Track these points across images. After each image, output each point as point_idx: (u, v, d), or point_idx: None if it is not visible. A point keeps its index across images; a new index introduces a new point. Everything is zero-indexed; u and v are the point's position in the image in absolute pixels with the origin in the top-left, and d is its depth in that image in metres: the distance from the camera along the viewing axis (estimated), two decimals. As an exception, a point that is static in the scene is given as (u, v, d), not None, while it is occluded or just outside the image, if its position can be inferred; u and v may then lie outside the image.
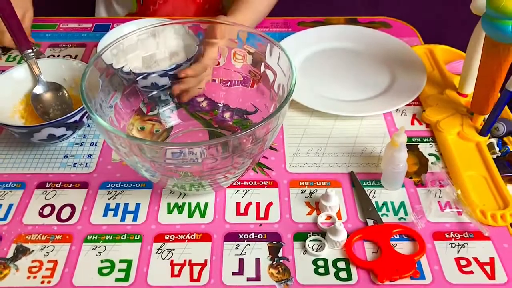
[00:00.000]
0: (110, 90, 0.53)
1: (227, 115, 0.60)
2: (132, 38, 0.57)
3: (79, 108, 0.54)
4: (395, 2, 1.13)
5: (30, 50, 0.60)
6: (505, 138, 0.59)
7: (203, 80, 0.59)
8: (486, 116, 0.57)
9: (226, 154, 0.46)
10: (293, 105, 0.62)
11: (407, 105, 0.63)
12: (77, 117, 0.54)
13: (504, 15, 0.49)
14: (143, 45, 0.58)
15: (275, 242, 0.48)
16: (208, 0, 0.86)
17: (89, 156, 0.57)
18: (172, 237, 0.48)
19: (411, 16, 0.86)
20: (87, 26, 0.78)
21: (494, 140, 0.58)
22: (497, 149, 0.58)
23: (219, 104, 0.61)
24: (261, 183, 0.54)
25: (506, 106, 0.62)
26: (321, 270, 0.45)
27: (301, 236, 0.48)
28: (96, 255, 0.47)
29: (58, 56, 0.71)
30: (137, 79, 0.57)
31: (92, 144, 0.58)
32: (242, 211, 0.51)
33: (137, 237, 0.48)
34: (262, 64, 0.54)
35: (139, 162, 0.45)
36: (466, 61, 0.61)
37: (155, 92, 0.59)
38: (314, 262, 0.46)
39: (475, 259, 0.46)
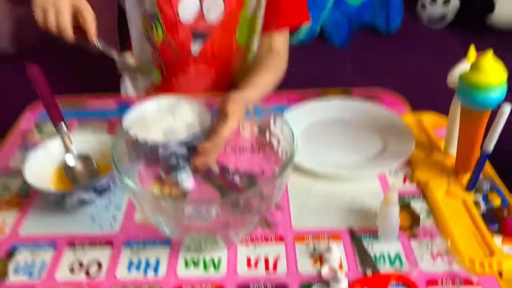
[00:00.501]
0: (134, 158, 0.61)
1: (237, 178, 0.67)
2: (153, 113, 0.65)
3: (106, 174, 0.61)
4: (388, 71, 1.24)
5: (63, 124, 0.69)
6: (489, 196, 0.65)
7: (218, 151, 0.67)
8: (470, 174, 0.64)
9: (236, 210, 0.52)
10: (297, 169, 0.69)
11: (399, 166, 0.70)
12: (104, 182, 0.62)
13: (475, 86, 0.58)
14: (162, 118, 0.66)
15: (283, 291, 0.53)
16: (221, 76, 0.96)
17: (114, 218, 0.63)
18: (189, 288, 0.53)
19: (402, 84, 0.96)
20: (112, 106, 0.87)
21: (479, 197, 0.65)
22: (482, 205, 0.64)
23: (230, 169, 0.68)
24: (269, 238, 0.60)
25: (489, 165, 0.69)
26: (326, 315, 0.50)
27: (306, 286, 0.53)
28: (122, 306, 0.52)
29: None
30: (158, 148, 0.65)
31: (116, 207, 0.65)
32: (252, 264, 0.56)
33: (158, 289, 0.53)
34: (268, 132, 0.62)
35: (161, 219, 0.52)
36: (448, 126, 0.68)
37: (173, 159, 0.66)
38: (319, 308, 0.51)
39: (466, 303, 0.51)
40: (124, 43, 1.04)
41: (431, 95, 0.75)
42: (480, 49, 1.37)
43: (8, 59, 1.40)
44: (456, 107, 0.65)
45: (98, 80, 0.99)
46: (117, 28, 1.43)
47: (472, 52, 0.63)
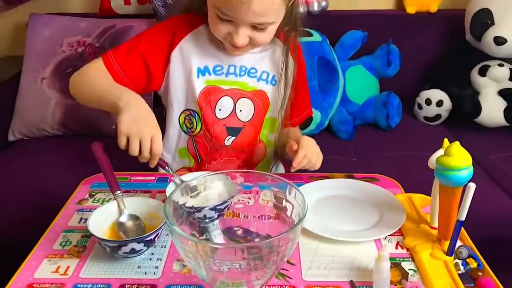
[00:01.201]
0: (176, 219, 0.76)
1: (257, 240, 0.82)
2: (192, 183, 0.82)
3: (154, 230, 0.76)
4: (387, 162, 1.41)
5: (119, 192, 0.85)
6: (467, 260, 0.78)
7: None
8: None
9: (258, 263, 0.66)
10: (307, 233, 0.83)
11: (392, 234, 0.84)
12: (152, 237, 0.76)
13: (447, 168, 0.74)
14: (199, 188, 0.82)
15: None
16: (245, 165, 1.13)
17: (156, 267, 0.77)
18: (219, 322, 0.66)
19: (399, 171, 1.12)
20: (151, 179, 1.04)
21: (459, 261, 0.78)
22: (461, 267, 0.77)
23: (251, 232, 0.82)
24: (284, 287, 0.73)
25: (466, 234, 0.83)
26: None
27: (314, 324, 0.66)
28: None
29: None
30: (194, 211, 0.80)
31: (158, 259, 0.79)
32: (270, 306, 0.69)
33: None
34: (284, 200, 0.78)
35: (201, 262, 0.66)
36: (432, 202, 0.84)
37: (206, 221, 0.81)
38: None
39: None
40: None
41: (423, 180, 0.90)
42: (471, 143, 1.56)
43: (56, 141, 1.60)
44: (436, 186, 0.81)
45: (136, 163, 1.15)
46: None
47: (446, 142, 0.80)
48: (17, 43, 1.91)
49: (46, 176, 1.37)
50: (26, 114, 1.62)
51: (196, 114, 1.08)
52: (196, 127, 1.09)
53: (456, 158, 0.73)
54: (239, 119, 1.08)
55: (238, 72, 1.06)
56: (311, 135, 1.61)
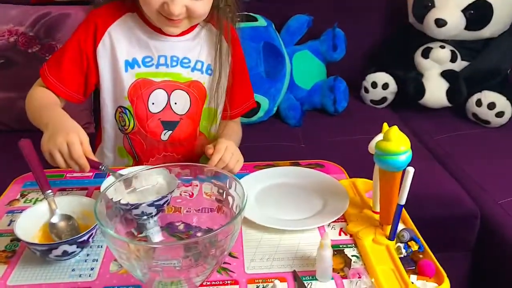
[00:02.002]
0: (111, 217, 0.72)
1: (199, 234, 0.79)
2: (128, 179, 0.78)
3: (87, 231, 0.72)
4: (334, 147, 1.42)
5: (50, 191, 0.80)
6: (409, 243, 0.79)
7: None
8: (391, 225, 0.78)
9: (198, 259, 0.64)
10: (250, 223, 0.81)
11: (335, 221, 0.83)
12: (85, 237, 0.72)
13: (386, 152, 0.73)
14: (135, 183, 0.78)
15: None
16: (186, 159, 1.09)
17: (92, 268, 0.73)
18: (157, 323, 0.63)
19: (345, 156, 1.12)
20: (88, 175, 0.99)
21: (401, 244, 0.78)
22: (403, 251, 0.77)
23: (192, 226, 0.80)
24: (226, 282, 0.71)
25: (408, 217, 0.83)
26: None
27: (256, 318, 0.64)
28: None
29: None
30: (131, 208, 0.76)
31: (94, 260, 0.75)
32: (211, 303, 0.67)
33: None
34: (225, 192, 0.75)
35: (135, 264, 0.63)
36: (373, 187, 0.83)
37: (144, 218, 0.78)
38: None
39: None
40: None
41: (368, 164, 0.90)
42: (416, 124, 1.58)
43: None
44: (376, 170, 0.81)
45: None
46: (92, 113, 1.58)
47: (385, 126, 0.80)
48: None
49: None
50: (-46, 110, 1.51)
51: (127, 111, 1.03)
52: (129, 125, 1.04)
53: (394, 142, 0.73)
54: (175, 112, 1.04)
55: (170, 63, 1.02)
56: (260, 122, 1.61)
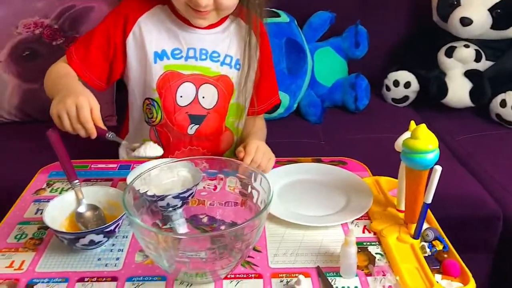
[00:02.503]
0: (138, 208, 0.73)
1: (223, 227, 0.79)
2: (154, 171, 0.78)
3: (114, 221, 0.73)
4: (355, 144, 1.41)
5: (77, 181, 0.81)
6: (433, 242, 0.78)
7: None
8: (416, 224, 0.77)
9: (222, 247, 0.64)
10: (273, 219, 0.82)
11: (359, 218, 0.83)
12: (112, 227, 0.73)
13: (414, 151, 0.73)
14: (161, 175, 0.79)
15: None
16: (211, 153, 1.09)
17: (117, 258, 0.74)
18: (182, 313, 0.64)
19: (367, 154, 1.12)
20: (113, 166, 1.00)
21: (425, 244, 0.78)
22: (428, 250, 0.77)
23: (216, 219, 0.80)
24: (249, 275, 0.71)
25: (432, 216, 0.83)
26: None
27: (280, 312, 0.64)
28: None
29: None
30: (157, 200, 0.77)
31: (119, 250, 0.76)
32: (235, 295, 0.67)
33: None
34: (249, 186, 0.75)
35: (162, 253, 0.63)
36: (398, 185, 0.83)
37: (170, 209, 0.79)
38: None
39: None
40: (122, 118, 1.19)
41: (391, 163, 0.89)
42: (438, 124, 1.56)
43: (14, 127, 1.53)
44: (402, 169, 0.80)
45: (99, 153, 1.10)
46: (114, 104, 1.59)
47: (412, 124, 0.79)
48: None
49: (1, 165, 1.31)
50: (-19, 100, 1.54)
51: (155, 103, 1.03)
52: (157, 117, 1.05)
53: (423, 140, 0.72)
54: (202, 106, 1.05)
55: (199, 56, 1.02)
56: (280, 118, 1.60)
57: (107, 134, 0.84)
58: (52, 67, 1.01)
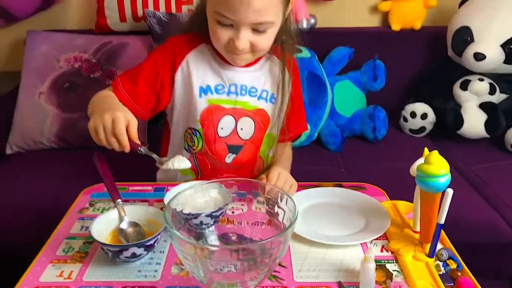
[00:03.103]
0: (175, 224, 0.81)
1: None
2: (189, 192, 0.86)
3: (153, 236, 0.81)
4: (374, 172, 1.47)
5: (119, 200, 0.90)
6: (447, 261, 0.83)
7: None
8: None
9: (251, 259, 0.71)
10: (298, 238, 0.88)
11: (377, 239, 0.89)
12: (152, 241, 0.81)
13: (427, 175, 0.79)
14: (195, 196, 0.87)
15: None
16: (239, 175, 1.16)
17: (155, 270, 0.82)
18: (216, 319, 0.70)
19: (385, 181, 1.18)
20: (148, 189, 1.09)
21: (440, 263, 0.83)
22: (442, 268, 0.82)
23: (245, 237, 0.87)
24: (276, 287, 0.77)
25: (446, 237, 0.88)
26: None
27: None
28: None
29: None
30: (191, 218, 0.85)
31: (157, 263, 0.83)
32: (263, 305, 0.74)
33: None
34: (276, 206, 0.83)
35: (199, 263, 0.70)
36: (414, 208, 0.89)
37: (203, 227, 0.86)
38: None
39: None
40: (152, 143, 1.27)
41: (408, 189, 0.96)
42: (454, 154, 1.62)
43: (53, 153, 1.64)
44: (417, 192, 0.87)
45: (137, 174, 1.19)
46: (146, 132, 1.69)
47: (426, 151, 0.86)
48: (14, 59, 1.95)
49: (46, 188, 1.41)
50: (23, 128, 1.66)
51: (197, 132, 1.12)
52: (198, 145, 1.13)
53: (435, 165, 0.79)
54: (240, 137, 1.13)
55: (239, 91, 1.11)
56: (301, 147, 1.68)
57: (139, 148, 0.88)
58: (95, 95, 1.07)
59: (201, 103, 1.09)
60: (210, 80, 1.10)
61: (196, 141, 1.13)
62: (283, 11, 1.01)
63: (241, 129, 1.12)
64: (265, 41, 1.02)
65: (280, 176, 1.02)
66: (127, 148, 0.88)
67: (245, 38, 0.98)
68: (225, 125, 1.11)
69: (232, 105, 1.11)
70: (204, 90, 1.10)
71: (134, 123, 0.89)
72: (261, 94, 1.13)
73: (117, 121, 0.86)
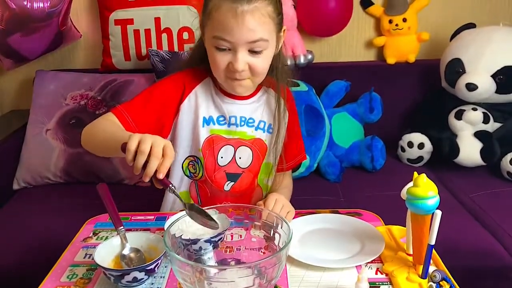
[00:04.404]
0: (175, 249, 0.84)
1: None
2: (188, 218, 0.89)
3: (154, 260, 0.84)
4: (372, 201, 1.50)
5: (122, 227, 0.93)
6: (440, 283, 0.85)
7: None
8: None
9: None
10: (295, 262, 0.91)
11: (372, 262, 0.91)
12: (152, 266, 0.84)
13: (416, 197, 0.83)
14: (194, 222, 0.90)
15: None
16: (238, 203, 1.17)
17: (156, 295, 0.84)
18: None
19: (382, 209, 1.21)
20: (150, 218, 1.12)
21: (433, 284, 0.85)
22: (435, 289, 0.84)
23: (243, 263, 0.90)
24: (273, 310, 0.80)
25: (439, 259, 0.90)
26: None
27: None
28: None
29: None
30: (190, 243, 0.88)
31: (157, 288, 0.86)
32: (260, 326, 0.76)
33: None
34: (272, 230, 0.86)
35: (197, 285, 0.73)
36: (407, 231, 0.92)
37: (202, 252, 0.89)
38: None
39: None
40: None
41: (404, 215, 0.99)
42: (452, 182, 1.64)
43: (59, 188, 1.69)
44: (409, 215, 0.90)
45: (141, 203, 1.23)
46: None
47: (415, 174, 0.89)
48: (23, 98, 2.03)
49: (51, 221, 1.44)
50: (30, 163, 1.71)
51: (199, 161, 1.17)
52: (199, 173, 1.18)
53: (423, 188, 0.83)
54: (239, 166, 1.18)
55: (239, 122, 1.16)
56: (301, 177, 1.72)
57: (170, 186, 0.85)
58: (94, 122, 1.07)
59: (204, 133, 1.15)
60: (212, 111, 1.16)
61: (198, 169, 1.17)
62: (276, 33, 1.07)
63: (240, 158, 1.17)
64: (262, 62, 1.07)
65: (277, 202, 1.06)
66: (165, 169, 0.83)
67: (243, 59, 1.04)
68: (225, 154, 1.16)
69: (232, 135, 1.16)
70: (207, 121, 1.15)
71: (171, 154, 0.85)
72: (259, 125, 1.18)
73: (157, 145, 0.83)
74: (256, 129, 1.18)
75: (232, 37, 1.02)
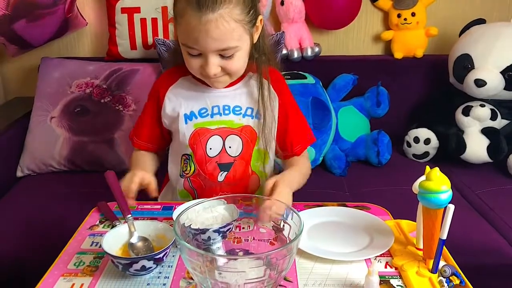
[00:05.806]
0: (184, 239, 0.83)
1: (257, 260, 0.88)
2: (197, 207, 0.89)
3: (163, 249, 0.83)
4: (378, 195, 1.49)
5: (130, 215, 0.92)
6: (450, 277, 0.85)
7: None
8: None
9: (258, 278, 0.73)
10: (303, 254, 0.90)
11: (381, 255, 0.91)
12: (161, 255, 0.83)
13: (428, 191, 0.82)
14: (203, 212, 0.89)
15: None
16: (233, 192, 1.18)
17: (164, 284, 0.83)
18: (223, 330, 0.72)
19: (389, 203, 1.20)
20: (157, 207, 1.11)
21: (443, 279, 0.85)
22: (445, 284, 0.84)
23: (251, 253, 0.89)
24: (282, 301, 0.79)
25: (449, 255, 0.90)
26: None
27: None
28: None
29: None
30: (199, 233, 0.87)
31: (165, 277, 0.85)
32: (269, 317, 0.75)
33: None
34: (281, 221, 0.85)
35: (207, 273, 0.72)
36: (417, 225, 0.91)
37: (210, 242, 0.88)
38: None
39: None
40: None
41: (411, 210, 0.98)
42: (458, 179, 1.63)
43: (63, 176, 1.68)
44: (420, 209, 0.89)
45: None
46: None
47: (427, 169, 0.88)
48: (28, 85, 2.01)
49: (55, 209, 1.44)
50: (35, 151, 1.70)
51: (190, 157, 1.17)
52: (190, 169, 1.18)
53: (436, 182, 0.82)
54: (229, 155, 1.17)
55: (222, 111, 1.15)
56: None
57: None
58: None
59: (188, 129, 1.15)
60: (193, 106, 1.16)
61: (189, 166, 1.18)
62: (248, 33, 1.05)
63: (230, 147, 1.16)
64: (235, 64, 1.06)
65: (279, 198, 0.98)
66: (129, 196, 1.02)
67: (214, 64, 1.04)
68: (213, 145, 1.15)
69: (217, 125, 1.15)
70: (189, 116, 1.15)
71: (149, 177, 1.06)
72: (246, 112, 1.16)
73: (124, 179, 1.04)
74: (243, 116, 1.16)
75: (199, 47, 1.02)
